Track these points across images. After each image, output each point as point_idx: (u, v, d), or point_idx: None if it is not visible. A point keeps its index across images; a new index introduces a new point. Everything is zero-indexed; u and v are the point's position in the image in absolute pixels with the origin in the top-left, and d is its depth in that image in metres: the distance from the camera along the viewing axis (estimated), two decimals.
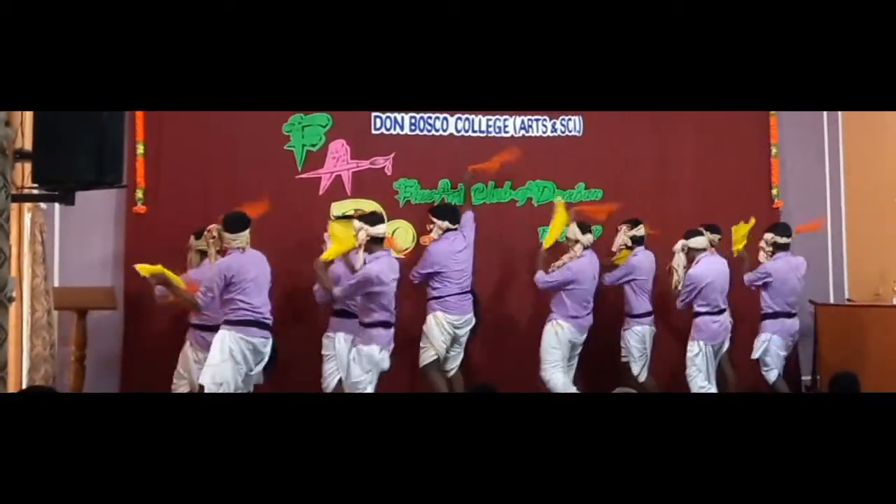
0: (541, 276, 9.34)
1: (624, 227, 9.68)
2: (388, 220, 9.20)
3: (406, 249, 9.79)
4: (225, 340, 7.89)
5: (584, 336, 9.47)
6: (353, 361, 8.24)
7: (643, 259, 9.66)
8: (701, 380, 9.16)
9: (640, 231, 9.66)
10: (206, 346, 8.16)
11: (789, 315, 9.61)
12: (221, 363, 7.84)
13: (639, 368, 9.60)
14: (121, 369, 9.30)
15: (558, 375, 9.26)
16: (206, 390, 7.82)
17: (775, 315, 9.55)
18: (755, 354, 9.55)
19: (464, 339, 9.36)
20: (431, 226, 9.37)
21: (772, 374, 9.56)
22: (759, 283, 9.56)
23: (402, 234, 9.91)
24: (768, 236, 9.63)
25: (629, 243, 9.66)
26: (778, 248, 9.60)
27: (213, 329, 8.14)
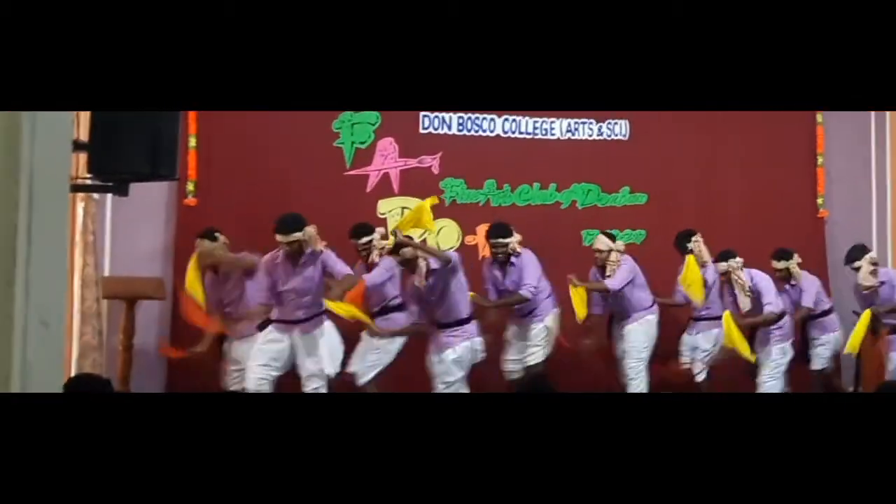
0: (610, 282, 9.28)
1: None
2: (434, 219, 9.24)
3: (451, 248, 9.87)
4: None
5: None
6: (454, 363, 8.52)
7: None
8: None
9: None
10: None
11: None
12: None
13: (699, 368, 9.60)
14: (168, 359, 9.43)
15: (644, 376, 9.31)
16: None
17: None
18: None
19: None
20: (511, 247, 9.05)
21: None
22: None
23: (447, 232, 9.98)
24: (872, 256, 9.41)
25: None
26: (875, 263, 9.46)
27: None
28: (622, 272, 9.26)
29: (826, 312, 9.72)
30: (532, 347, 9.14)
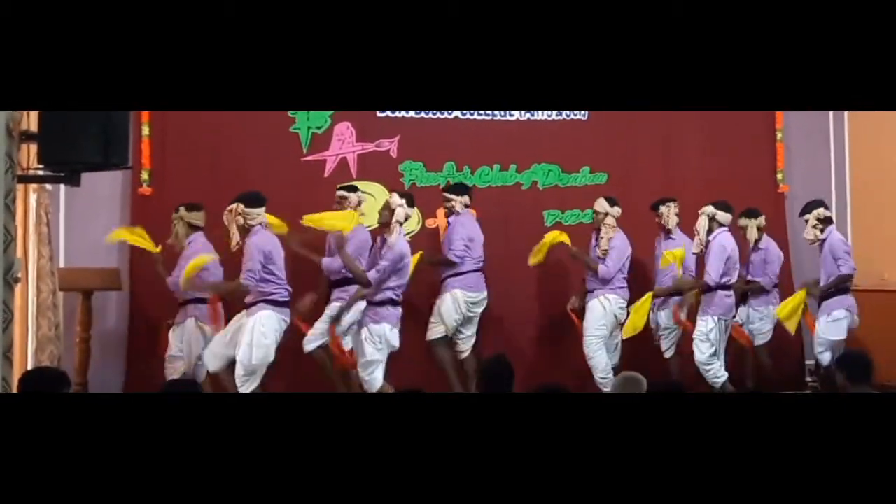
0: (604, 269, 9.33)
1: (672, 205, 9.61)
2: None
3: (411, 232, 9.79)
4: (273, 320, 8.06)
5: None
6: (366, 341, 8.21)
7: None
8: (710, 356, 9.08)
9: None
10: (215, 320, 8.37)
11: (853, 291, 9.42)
12: (272, 344, 8.04)
13: (668, 345, 9.58)
14: (126, 350, 9.34)
15: (602, 353, 9.30)
16: (246, 370, 8.00)
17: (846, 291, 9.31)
18: (836, 337, 9.17)
19: (476, 320, 9.38)
20: (451, 203, 9.36)
21: (825, 357, 9.27)
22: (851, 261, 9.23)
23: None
24: (819, 211, 9.36)
25: (677, 220, 9.64)
26: (829, 221, 9.39)
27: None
28: (613, 259, 9.35)
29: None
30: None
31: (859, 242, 10.78)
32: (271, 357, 8.05)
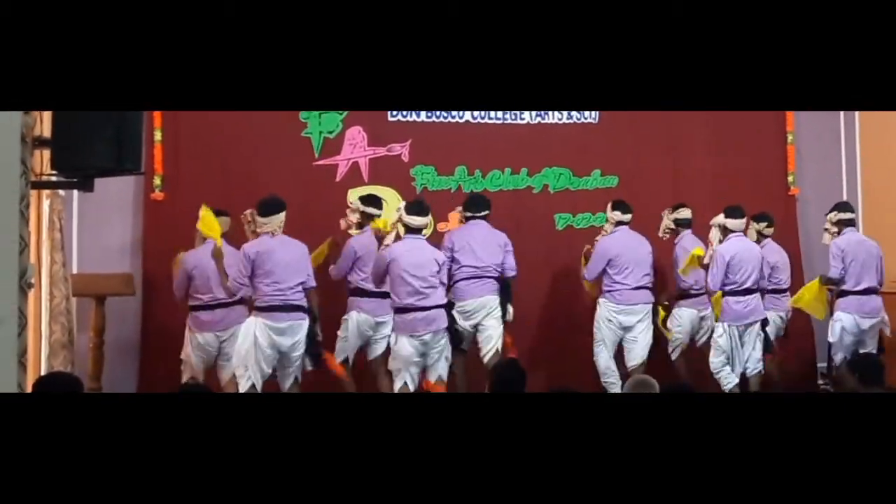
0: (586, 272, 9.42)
1: (666, 212, 9.61)
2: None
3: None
4: (250, 327, 7.97)
5: (631, 315, 9.22)
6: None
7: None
8: (721, 363, 9.02)
9: (683, 214, 9.58)
10: (199, 326, 8.34)
11: (864, 292, 9.24)
12: (247, 351, 7.92)
13: (673, 346, 9.54)
14: (139, 355, 9.36)
15: (602, 355, 9.25)
16: (237, 377, 8.00)
17: (844, 294, 9.22)
18: (830, 338, 9.22)
19: (484, 325, 8.91)
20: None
21: (837, 357, 9.23)
22: (840, 266, 9.16)
23: None
24: (831, 215, 9.41)
25: (672, 226, 9.57)
26: (843, 224, 9.37)
27: (204, 308, 8.35)
28: (591, 264, 9.35)
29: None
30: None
31: None
32: (248, 362, 7.92)
